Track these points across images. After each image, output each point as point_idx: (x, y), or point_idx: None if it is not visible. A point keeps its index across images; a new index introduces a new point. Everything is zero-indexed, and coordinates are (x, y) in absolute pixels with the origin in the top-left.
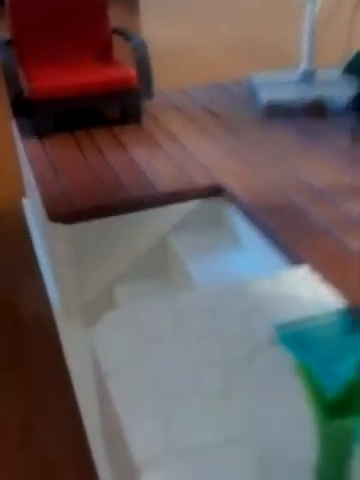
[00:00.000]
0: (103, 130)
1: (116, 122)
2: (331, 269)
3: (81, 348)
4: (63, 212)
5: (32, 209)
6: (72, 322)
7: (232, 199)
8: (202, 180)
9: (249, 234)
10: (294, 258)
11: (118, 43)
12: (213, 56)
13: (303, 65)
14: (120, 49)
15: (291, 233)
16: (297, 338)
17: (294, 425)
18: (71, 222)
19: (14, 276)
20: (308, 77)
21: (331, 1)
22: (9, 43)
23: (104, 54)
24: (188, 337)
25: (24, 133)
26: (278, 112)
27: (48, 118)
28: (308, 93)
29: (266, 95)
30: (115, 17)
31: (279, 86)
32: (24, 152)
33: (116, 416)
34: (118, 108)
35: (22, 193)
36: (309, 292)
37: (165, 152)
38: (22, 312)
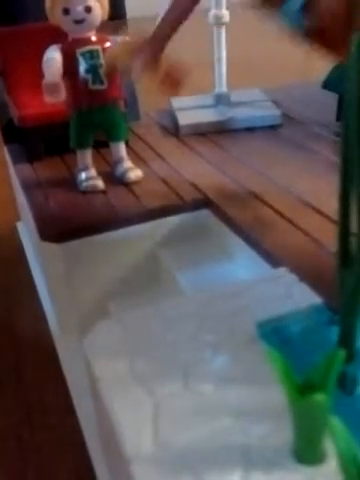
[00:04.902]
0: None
1: (103, 144)
2: (307, 268)
3: (78, 361)
4: (54, 231)
5: (26, 231)
6: (69, 338)
7: (216, 211)
8: (188, 194)
9: (234, 243)
10: (275, 262)
11: None
12: (205, 75)
13: (217, 89)
14: None
15: (271, 239)
16: (278, 333)
17: (279, 416)
18: (62, 241)
19: (11, 297)
20: (222, 100)
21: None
22: None
23: None
24: (175, 340)
25: (15, 158)
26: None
27: (38, 143)
28: (222, 115)
29: (182, 120)
30: None
31: (195, 110)
32: (16, 176)
33: (107, 414)
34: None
35: (16, 217)
36: (288, 290)
37: (151, 170)
38: (20, 332)
